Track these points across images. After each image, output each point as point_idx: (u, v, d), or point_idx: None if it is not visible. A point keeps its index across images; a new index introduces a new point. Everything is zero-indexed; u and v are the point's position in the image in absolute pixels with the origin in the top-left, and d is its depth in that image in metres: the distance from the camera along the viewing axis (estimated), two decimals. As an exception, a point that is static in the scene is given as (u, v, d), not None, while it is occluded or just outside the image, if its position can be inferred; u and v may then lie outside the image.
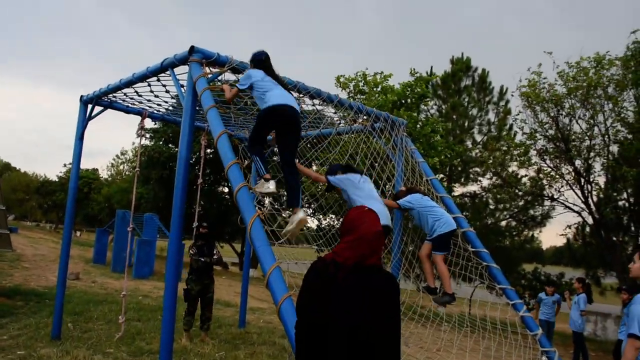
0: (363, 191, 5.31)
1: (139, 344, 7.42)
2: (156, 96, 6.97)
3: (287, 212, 4.97)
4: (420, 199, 6.18)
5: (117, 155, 59.94)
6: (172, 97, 7.09)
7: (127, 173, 51.18)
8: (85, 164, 56.35)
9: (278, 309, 3.38)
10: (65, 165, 55.99)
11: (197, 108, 5.36)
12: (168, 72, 5.65)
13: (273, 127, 4.84)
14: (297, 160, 5.50)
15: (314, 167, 15.83)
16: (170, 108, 8.04)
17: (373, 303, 2.28)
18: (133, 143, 56.82)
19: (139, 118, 7.96)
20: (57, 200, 53.42)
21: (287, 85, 5.15)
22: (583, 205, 17.65)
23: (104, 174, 56.53)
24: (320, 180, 5.84)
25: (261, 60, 5.01)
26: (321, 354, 2.27)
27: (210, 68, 5.22)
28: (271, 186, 4.61)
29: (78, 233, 54.49)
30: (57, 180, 57.37)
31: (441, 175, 20.44)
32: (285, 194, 5.00)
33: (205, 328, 8.12)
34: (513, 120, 20.41)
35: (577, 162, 17.38)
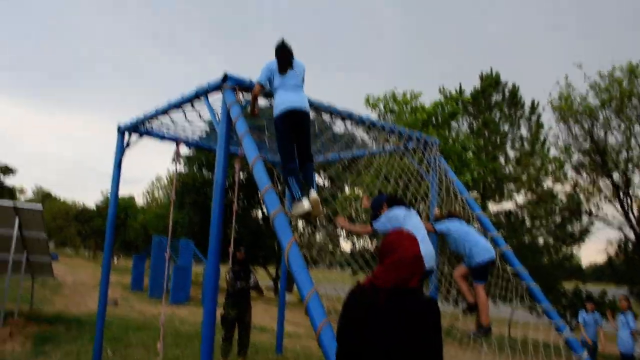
0: (409, 227, 5.18)
1: (178, 369, 7.47)
2: (190, 123, 7.09)
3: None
4: (458, 225, 6.07)
5: (152, 182, 61.10)
6: (205, 123, 7.22)
7: (162, 199, 52.00)
8: (121, 191, 57.47)
9: (317, 334, 3.37)
10: (102, 193, 57.37)
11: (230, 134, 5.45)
12: (202, 99, 5.77)
13: (290, 132, 4.95)
14: (339, 216, 5.61)
15: (347, 190, 15.85)
16: (204, 135, 8.18)
17: (413, 326, 2.26)
18: (168, 169, 57.94)
19: (174, 145, 8.10)
20: (95, 227, 54.52)
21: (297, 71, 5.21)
22: (623, 220, 17.19)
23: (139, 200, 57.59)
24: (367, 231, 5.78)
25: (276, 51, 5.19)
26: None
27: (243, 94, 5.31)
28: (305, 205, 4.65)
29: (116, 259, 55.37)
30: (94, 207, 58.67)
31: (475, 192, 20.19)
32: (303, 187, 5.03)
33: (243, 354, 8.11)
34: (546, 135, 20.14)
35: (615, 176, 16.98)
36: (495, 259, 6.04)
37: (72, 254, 52.56)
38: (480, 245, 5.88)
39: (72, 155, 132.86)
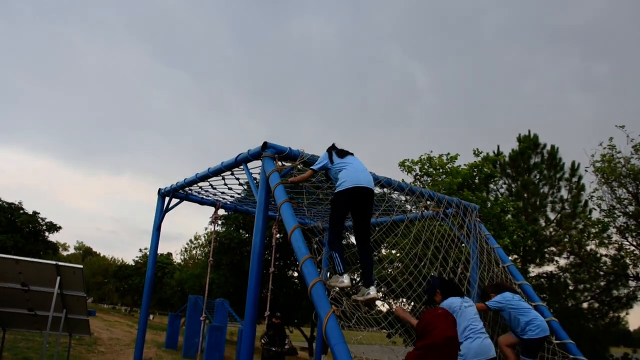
0: (464, 320, 4.89)
1: None
2: (229, 188, 7.25)
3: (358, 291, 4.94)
4: (510, 298, 5.83)
5: (190, 240, 61.91)
6: (242, 186, 7.35)
7: (199, 257, 52.40)
8: (160, 249, 58.35)
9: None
10: (140, 250, 58.29)
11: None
12: (241, 167, 5.91)
13: (348, 210, 4.92)
14: (397, 306, 5.54)
15: (383, 251, 15.69)
16: (240, 196, 8.32)
17: None
18: (205, 228, 58.64)
19: (212, 207, 8.26)
20: (132, 283, 55.08)
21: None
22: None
23: (176, 257, 58.21)
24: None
25: (332, 146, 5.29)
26: None
27: (283, 162, 5.42)
28: (345, 280, 4.63)
29: (151, 316, 55.58)
30: (133, 264, 59.49)
31: (514, 256, 19.70)
32: (359, 278, 5.01)
33: (278, 420, 7.94)
34: (589, 197, 19.69)
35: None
36: (548, 336, 5.80)
37: (109, 310, 52.86)
38: (537, 322, 5.64)
39: (112, 213, 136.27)
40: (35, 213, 36.87)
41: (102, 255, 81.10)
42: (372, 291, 4.71)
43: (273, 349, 7.88)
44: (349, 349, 3.68)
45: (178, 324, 22.68)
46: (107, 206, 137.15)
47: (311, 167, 5.25)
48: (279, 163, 5.34)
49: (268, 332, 8.03)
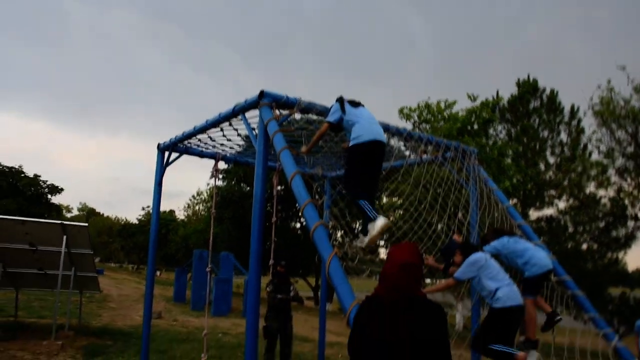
0: (492, 270, 5.19)
1: (222, 381, 7.59)
2: (228, 140, 7.25)
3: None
4: (506, 242, 5.85)
5: (192, 196, 62.29)
6: (243, 139, 7.36)
7: (202, 213, 52.81)
8: (162, 206, 58.73)
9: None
10: (143, 209, 58.73)
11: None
12: (239, 117, 5.90)
13: (365, 163, 4.93)
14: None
15: (385, 199, 15.80)
16: (240, 149, 8.34)
17: (414, 329, 2.41)
18: (208, 184, 59.00)
19: (212, 160, 8.27)
20: (137, 242, 55.75)
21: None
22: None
23: (180, 214, 58.68)
24: (450, 284, 5.62)
25: (340, 98, 5.25)
26: None
27: (280, 110, 5.41)
28: (380, 222, 4.55)
29: (158, 272, 56.43)
30: (137, 222, 60.05)
31: (514, 200, 19.86)
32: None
33: (286, 365, 8.21)
34: (588, 140, 19.71)
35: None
36: (550, 270, 5.85)
37: (116, 268, 53.73)
38: (533, 260, 5.67)
39: (113, 173, 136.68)
40: (36, 176, 36.93)
41: (105, 215, 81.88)
42: (381, 220, 4.59)
43: (279, 296, 8.06)
44: (352, 288, 3.79)
45: (185, 278, 23.11)
46: (107, 167, 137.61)
47: (326, 120, 5.18)
48: (277, 111, 5.33)
49: (273, 280, 8.20)
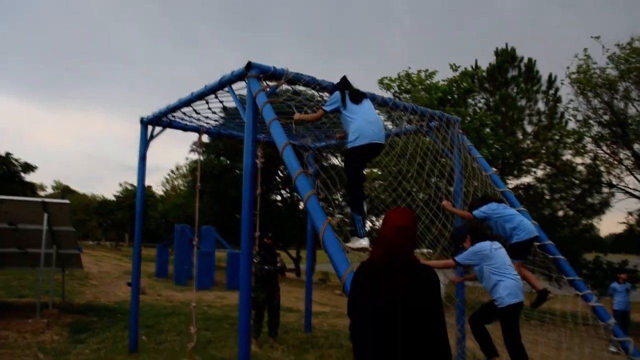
0: (496, 261, 5.24)
1: (211, 352, 7.66)
2: (213, 112, 7.20)
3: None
4: (495, 207, 6.01)
5: (171, 171, 61.70)
6: (223, 112, 7.29)
7: (182, 188, 52.42)
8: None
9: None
10: (121, 185, 58.01)
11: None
12: (226, 89, 5.86)
13: (364, 165, 4.99)
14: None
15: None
16: (222, 122, 8.28)
17: (408, 288, 2.47)
18: (187, 158, 58.40)
19: (190, 134, 8.22)
20: (115, 218, 55.21)
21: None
22: (645, 190, 17.11)
23: (158, 190, 58.17)
24: (448, 264, 5.65)
25: (342, 84, 5.22)
26: (370, 344, 2.49)
27: (267, 82, 5.38)
28: (364, 242, 4.71)
29: (137, 249, 56.09)
30: (114, 199, 59.32)
31: (493, 169, 20.11)
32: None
33: (274, 334, 8.32)
34: (564, 109, 19.95)
35: (636, 146, 16.85)
36: (536, 237, 6.00)
37: (94, 246, 53.22)
38: (521, 226, 5.83)
39: (87, 150, 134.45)
40: (8, 154, 36.14)
41: (81, 192, 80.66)
42: (365, 242, 4.78)
43: (266, 267, 8.13)
44: (346, 256, 3.84)
45: (166, 253, 23.04)
46: (81, 143, 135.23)
47: (322, 107, 5.15)
48: (264, 83, 5.30)
49: (260, 252, 8.26)
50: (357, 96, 5.12)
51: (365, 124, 4.88)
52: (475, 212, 6.07)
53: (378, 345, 2.45)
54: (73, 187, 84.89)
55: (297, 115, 5.38)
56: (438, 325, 2.48)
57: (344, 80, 5.26)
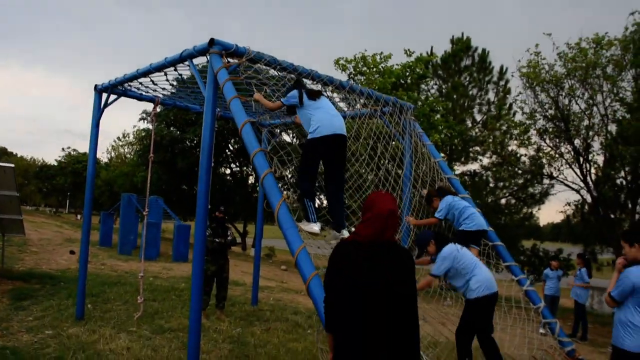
0: (464, 260, 5.42)
1: (159, 322, 7.74)
2: (171, 84, 7.18)
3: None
4: (451, 200, 6.27)
5: (118, 138, 60.07)
6: (182, 83, 7.28)
7: (128, 156, 51.19)
8: (82, 148, 56.47)
9: (307, 285, 3.66)
10: (64, 150, 55.96)
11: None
12: (186, 62, 5.88)
13: (322, 157, 5.02)
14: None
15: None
16: (174, 91, 8.26)
17: (390, 271, 2.62)
18: (134, 126, 56.84)
19: (138, 102, 8.15)
20: (56, 184, 53.49)
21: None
22: (582, 184, 18.00)
23: (102, 157, 56.59)
24: (430, 283, 5.73)
25: (299, 83, 5.34)
26: (347, 319, 2.60)
27: (229, 59, 5.43)
28: (316, 228, 4.83)
29: (78, 216, 54.75)
30: (56, 164, 57.34)
31: (442, 155, 20.67)
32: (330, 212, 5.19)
33: (221, 306, 8.47)
34: (513, 101, 20.65)
35: (576, 142, 17.67)
36: (485, 230, 6.32)
37: (32, 211, 51.45)
38: (473, 217, 6.14)
39: (29, 111, 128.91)
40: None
41: (19, 155, 77.46)
42: (317, 227, 4.90)
43: (217, 240, 8.23)
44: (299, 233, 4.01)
45: (111, 222, 22.64)
46: (20, 104, 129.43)
47: (281, 100, 5.23)
48: (226, 60, 5.35)
49: (211, 224, 8.33)
50: (315, 93, 5.23)
51: (327, 116, 4.99)
52: (438, 215, 6.30)
53: (358, 324, 2.56)
54: (11, 149, 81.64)
55: (257, 95, 5.46)
56: (414, 309, 2.65)
57: (299, 80, 5.42)
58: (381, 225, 2.69)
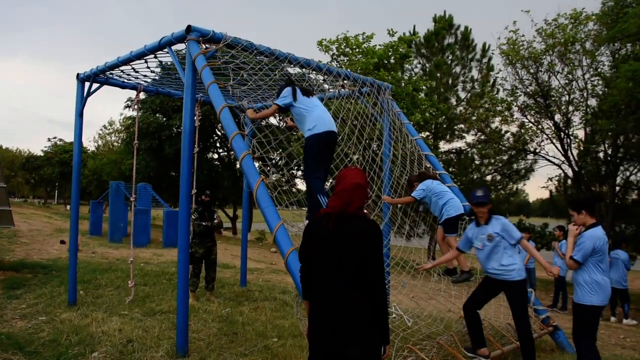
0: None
1: (150, 305, 7.92)
2: (152, 71, 7.28)
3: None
4: (430, 184, 6.43)
5: (104, 126, 59.69)
6: (165, 70, 7.37)
7: (115, 144, 50.97)
8: (68, 138, 56.00)
9: (285, 259, 3.87)
10: (50, 140, 55.52)
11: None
12: (165, 50, 5.99)
13: (322, 153, 5.19)
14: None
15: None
16: (157, 78, 8.35)
17: (357, 240, 2.86)
18: (121, 114, 56.47)
19: (125, 91, 8.25)
20: (44, 174, 53.17)
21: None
22: (563, 158, 18.31)
23: (89, 145, 56.28)
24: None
25: (291, 82, 5.45)
26: (320, 284, 2.89)
27: (206, 45, 5.56)
28: None
29: (68, 207, 54.52)
30: (42, 155, 56.90)
31: (427, 133, 20.91)
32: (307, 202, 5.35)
33: (210, 288, 8.68)
34: (494, 78, 20.85)
35: (557, 117, 17.95)
36: (464, 214, 6.53)
37: (20, 203, 51.19)
38: (452, 203, 6.32)
39: (10, 101, 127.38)
40: None
41: (4, 147, 76.82)
42: None
43: (203, 223, 8.41)
44: (277, 211, 4.20)
45: (100, 211, 22.73)
46: (2, 93, 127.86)
47: (276, 102, 5.28)
48: (203, 46, 5.48)
49: (198, 208, 8.51)
50: (308, 91, 5.40)
51: (323, 114, 5.21)
52: (414, 194, 6.51)
53: (328, 287, 2.84)
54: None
55: (249, 112, 5.58)
56: (380, 271, 2.87)
57: (290, 79, 5.58)
58: (348, 198, 2.91)
